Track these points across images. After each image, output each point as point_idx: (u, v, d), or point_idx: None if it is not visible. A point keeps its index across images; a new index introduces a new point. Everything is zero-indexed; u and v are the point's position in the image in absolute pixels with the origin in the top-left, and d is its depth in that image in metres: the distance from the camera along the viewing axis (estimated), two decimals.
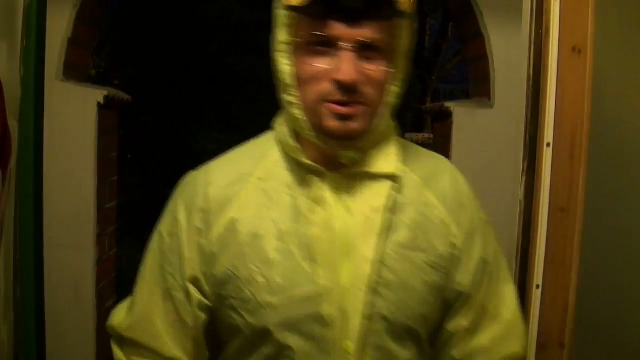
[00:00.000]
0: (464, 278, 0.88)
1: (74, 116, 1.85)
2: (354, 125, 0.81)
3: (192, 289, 0.87)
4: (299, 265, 0.83)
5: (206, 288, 0.87)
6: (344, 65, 0.78)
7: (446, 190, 0.91)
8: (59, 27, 1.79)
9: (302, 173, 0.87)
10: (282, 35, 0.84)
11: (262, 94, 2.15)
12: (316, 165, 0.85)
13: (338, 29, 0.78)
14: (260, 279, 0.84)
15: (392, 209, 0.86)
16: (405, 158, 0.90)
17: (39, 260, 1.50)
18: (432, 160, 0.97)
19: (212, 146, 1.89)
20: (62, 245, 1.68)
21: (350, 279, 0.83)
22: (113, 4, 1.74)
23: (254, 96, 2.10)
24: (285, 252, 0.84)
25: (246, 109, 2.02)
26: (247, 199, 0.88)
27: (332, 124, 0.81)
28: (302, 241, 0.84)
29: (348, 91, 0.79)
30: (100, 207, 1.84)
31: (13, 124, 1.43)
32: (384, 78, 0.82)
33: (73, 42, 1.83)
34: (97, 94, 1.87)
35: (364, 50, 0.79)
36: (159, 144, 1.82)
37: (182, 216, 0.89)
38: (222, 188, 0.89)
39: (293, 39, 0.82)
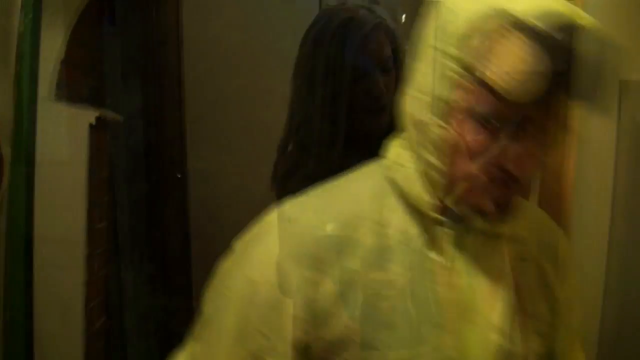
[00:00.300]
0: (558, 347, 0.81)
1: (65, 137, 1.86)
2: (509, 209, 0.71)
3: (293, 354, 0.71)
4: (422, 330, 0.72)
5: (312, 353, 0.72)
6: (519, 156, 0.66)
7: (550, 247, 0.84)
8: (52, 48, 1.80)
9: (425, 222, 0.75)
10: (443, 92, 0.68)
11: (258, 115, 2.16)
12: (443, 218, 0.73)
13: (523, 109, 0.65)
14: (378, 345, 0.71)
15: (514, 269, 0.76)
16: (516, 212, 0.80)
17: (28, 281, 1.50)
18: (534, 212, 0.89)
19: (206, 166, 1.90)
20: (51, 266, 1.68)
21: (477, 349, 0.72)
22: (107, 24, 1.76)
23: (250, 117, 2.11)
24: (407, 315, 0.73)
25: (243, 130, 2.04)
26: (364, 247, 0.74)
27: (485, 204, 0.70)
28: (426, 302, 0.73)
29: (515, 178, 0.67)
30: (90, 228, 1.85)
31: (6, 150, 1.44)
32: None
33: (66, 64, 1.85)
34: (89, 115, 1.88)
35: (531, 125, 0.67)
36: (151, 163, 1.83)
37: (286, 263, 0.73)
38: (336, 231, 0.74)
39: (462, 104, 0.67)
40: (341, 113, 1.29)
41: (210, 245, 1.97)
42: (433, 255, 0.73)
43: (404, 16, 4.02)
